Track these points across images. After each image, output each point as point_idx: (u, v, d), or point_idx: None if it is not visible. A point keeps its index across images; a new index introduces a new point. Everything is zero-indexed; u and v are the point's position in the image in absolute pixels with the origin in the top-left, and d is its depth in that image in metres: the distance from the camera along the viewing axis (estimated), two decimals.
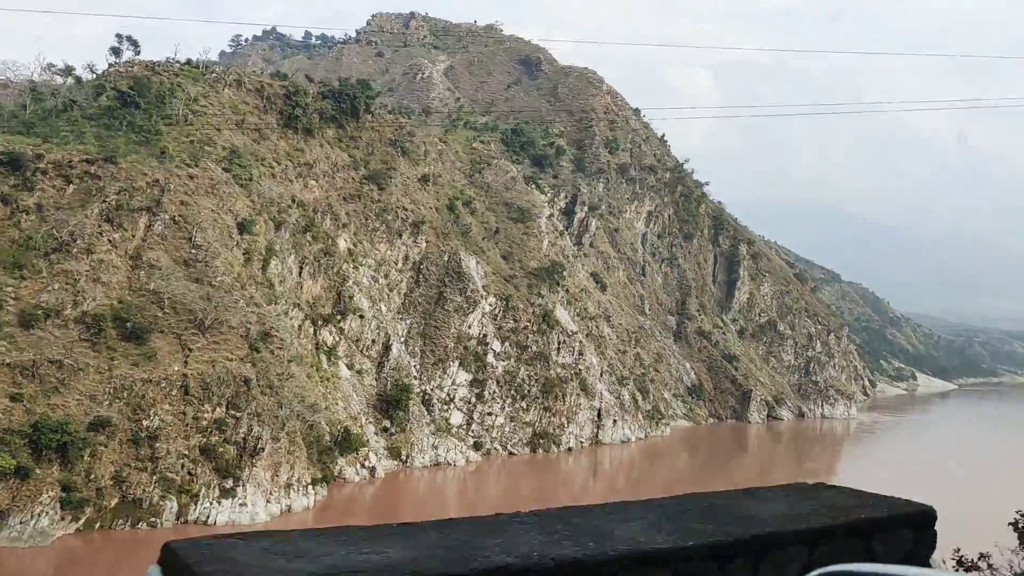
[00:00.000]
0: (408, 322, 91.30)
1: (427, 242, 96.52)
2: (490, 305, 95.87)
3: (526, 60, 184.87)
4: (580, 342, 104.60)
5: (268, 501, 56.96)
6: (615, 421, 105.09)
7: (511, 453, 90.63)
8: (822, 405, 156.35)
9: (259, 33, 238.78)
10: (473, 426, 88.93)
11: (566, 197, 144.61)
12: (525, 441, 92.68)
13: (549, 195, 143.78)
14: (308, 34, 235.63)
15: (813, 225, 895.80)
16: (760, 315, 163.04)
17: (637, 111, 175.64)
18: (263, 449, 57.16)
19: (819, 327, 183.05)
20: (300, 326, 76.44)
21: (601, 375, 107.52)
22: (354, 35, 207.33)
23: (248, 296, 65.02)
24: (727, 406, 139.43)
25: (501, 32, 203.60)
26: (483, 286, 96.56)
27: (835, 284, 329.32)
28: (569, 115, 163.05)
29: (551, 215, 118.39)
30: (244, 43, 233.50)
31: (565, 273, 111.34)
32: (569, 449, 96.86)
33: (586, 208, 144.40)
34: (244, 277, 66.63)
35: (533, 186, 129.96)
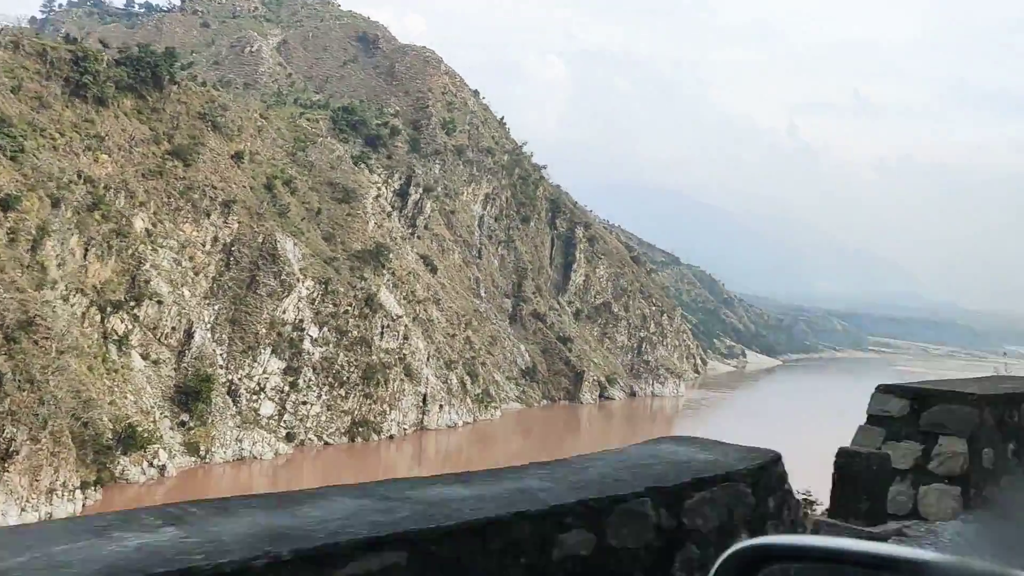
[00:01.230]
0: (216, 307, 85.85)
1: (239, 223, 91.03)
2: (308, 289, 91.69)
3: (364, 37, 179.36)
4: (406, 326, 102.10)
5: (23, 509, 51.30)
6: (441, 406, 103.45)
7: (327, 443, 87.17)
8: (652, 384, 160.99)
9: None
10: (286, 416, 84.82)
11: (400, 178, 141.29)
12: (343, 430, 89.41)
13: (383, 176, 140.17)
14: (131, 1, 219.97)
15: (659, 209, 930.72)
16: (596, 297, 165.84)
17: (476, 93, 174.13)
18: (17, 452, 51.38)
19: (653, 308, 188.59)
20: (84, 313, 69.92)
21: (428, 360, 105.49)
22: (179, 3, 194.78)
23: (8, 280, 58.31)
24: (560, 388, 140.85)
25: (338, 7, 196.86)
26: (300, 269, 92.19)
27: (674, 267, 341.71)
28: (406, 95, 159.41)
29: (378, 196, 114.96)
30: (58, 8, 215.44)
31: (392, 256, 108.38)
32: (391, 436, 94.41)
33: (421, 190, 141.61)
34: (3, 259, 59.72)
35: (363, 166, 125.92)
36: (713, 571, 1.82)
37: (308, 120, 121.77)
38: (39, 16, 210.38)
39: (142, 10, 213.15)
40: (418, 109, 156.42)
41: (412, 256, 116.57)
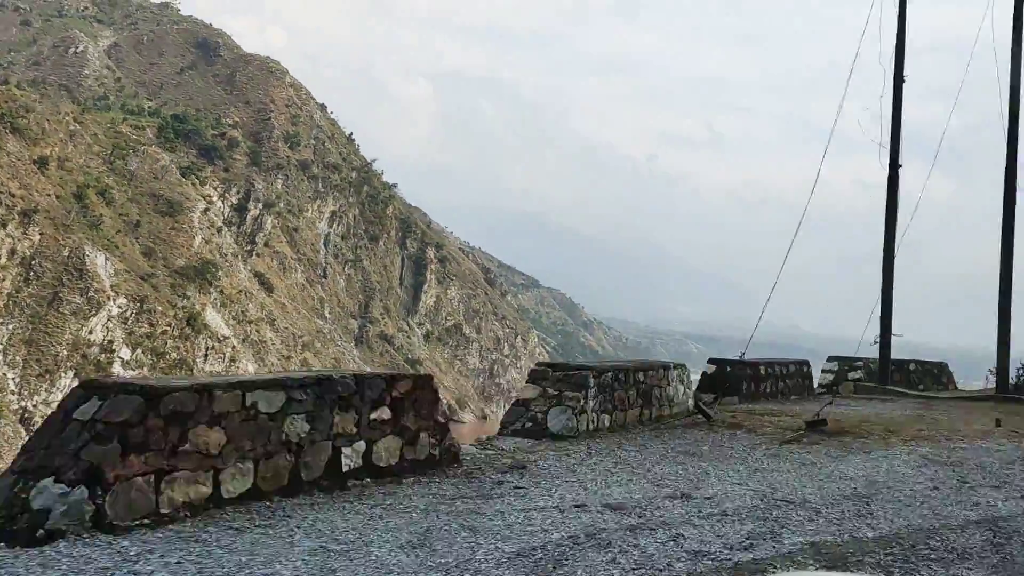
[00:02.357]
0: (11, 327, 76.94)
1: (42, 234, 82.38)
2: (119, 307, 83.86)
3: (204, 44, 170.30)
4: (233, 348, 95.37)
5: None
6: None
7: None
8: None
9: None
10: None
11: (239, 192, 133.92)
12: None
13: (219, 190, 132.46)
14: None
15: (523, 233, 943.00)
16: (447, 319, 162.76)
17: (323, 107, 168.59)
18: None
19: (508, 330, 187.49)
20: None
21: None
22: None
23: None
24: None
25: (178, 11, 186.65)
26: (112, 286, 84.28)
27: (534, 289, 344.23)
28: (246, 105, 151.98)
29: (207, 209, 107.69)
30: None
31: (220, 273, 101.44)
32: None
33: (261, 205, 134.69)
34: None
35: (195, 179, 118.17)
36: None
37: (132, 127, 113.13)
38: None
39: None
40: (259, 121, 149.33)
41: (245, 274, 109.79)
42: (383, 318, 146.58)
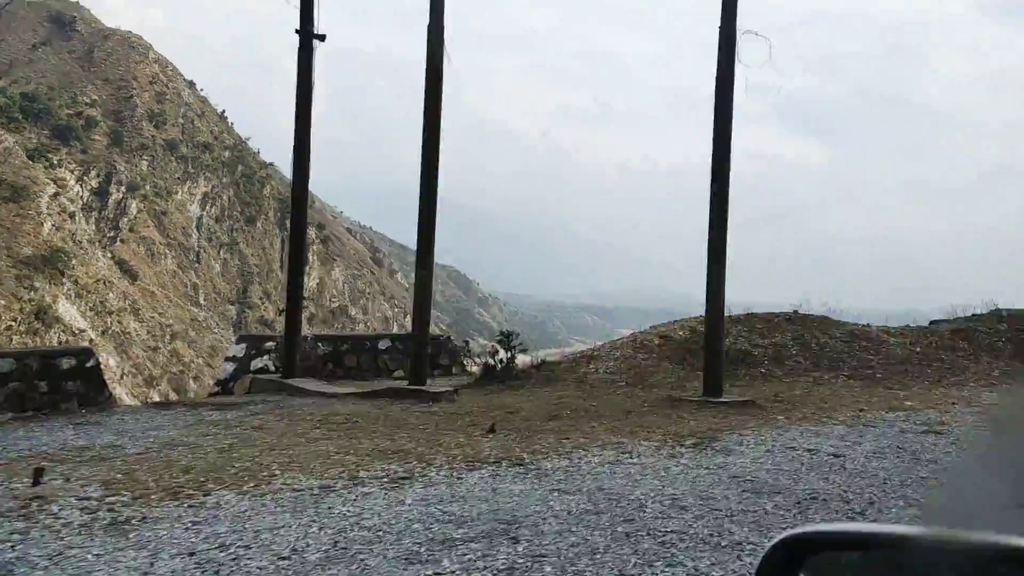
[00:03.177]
0: None
1: None
2: None
3: (58, 18, 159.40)
4: (91, 340, 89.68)
5: None
6: None
7: None
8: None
9: None
10: None
11: (99, 175, 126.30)
12: None
13: (76, 172, 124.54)
14: None
15: (417, 211, 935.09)
16: (331, 300, 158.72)
17: (192, 84, 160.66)
18: None
19: (396, 310, 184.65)
20: None
21: (122, 377, 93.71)
22: None
23: None
24: None
25: None
26: None
27: None
28: (106, 83, 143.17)
29: (57, 194, 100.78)
30: None
31: (75, 262, 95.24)
32: None
33: (124, 188, 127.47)
34: None
35: (46, 161, 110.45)
36: (759, 562, 1.73)
37: None
38: None
39: None
40: (121, 99, 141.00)
41: (105, 262, 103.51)
42: (263, 302, 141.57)
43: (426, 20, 16.70)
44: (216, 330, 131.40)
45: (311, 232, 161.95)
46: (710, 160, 16.01)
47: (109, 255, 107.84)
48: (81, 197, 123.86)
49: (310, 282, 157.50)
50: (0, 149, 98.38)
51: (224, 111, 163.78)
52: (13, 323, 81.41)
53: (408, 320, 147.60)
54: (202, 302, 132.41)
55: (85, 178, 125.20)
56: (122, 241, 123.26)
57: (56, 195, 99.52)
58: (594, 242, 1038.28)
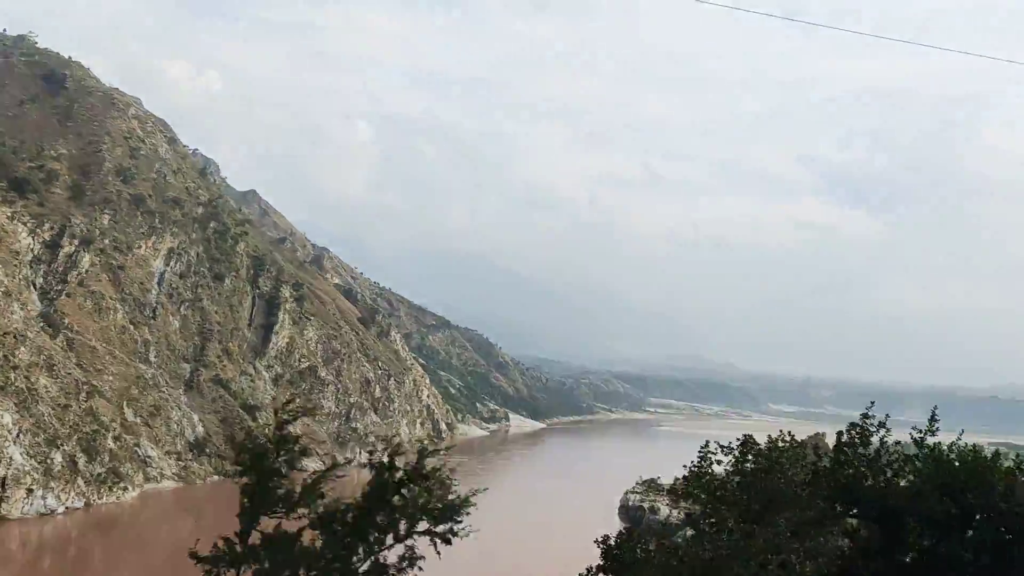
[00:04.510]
0: None
1: None
2: None
3: (50, 76, 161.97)
4: None
5: None
6: (31, 490, 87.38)
7: None
8: (360, 453, 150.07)
9: None
10: None
11: (52, 228, 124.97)
12: None
13: (30, 225, 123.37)
14: None
15: (463, 275, 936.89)
16: (300, 360, 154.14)
17: (172, 140, 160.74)
18: None
19: (380, 372, 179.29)
20: None
21: (19, 435, 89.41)
22: None
23: None
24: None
25: (33, 44, 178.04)
26: None
27: (445, 330, 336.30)
28: (78, 137, 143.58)
29: None
30: None
31: None
32: None
33: (76, 242, 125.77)
34: None
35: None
36: None
37: None
38: None
39: None
40: (90, 154, 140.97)
41: (20, 315, 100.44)
42: (220, 361, 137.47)
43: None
44: (163, 388, 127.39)
45: (285, 291, 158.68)
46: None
47: (32, 309, 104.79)
48: (32, 249, 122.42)
49: (279, 341, 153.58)
50: None
51: (205, 167, 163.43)
52: None
53: (392, 384, 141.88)
54: (152, 359, 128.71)
55: (38, 231, 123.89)
56: (68, 295, 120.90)
57: None
58: (634, 310, 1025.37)
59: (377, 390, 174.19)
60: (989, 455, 15.68)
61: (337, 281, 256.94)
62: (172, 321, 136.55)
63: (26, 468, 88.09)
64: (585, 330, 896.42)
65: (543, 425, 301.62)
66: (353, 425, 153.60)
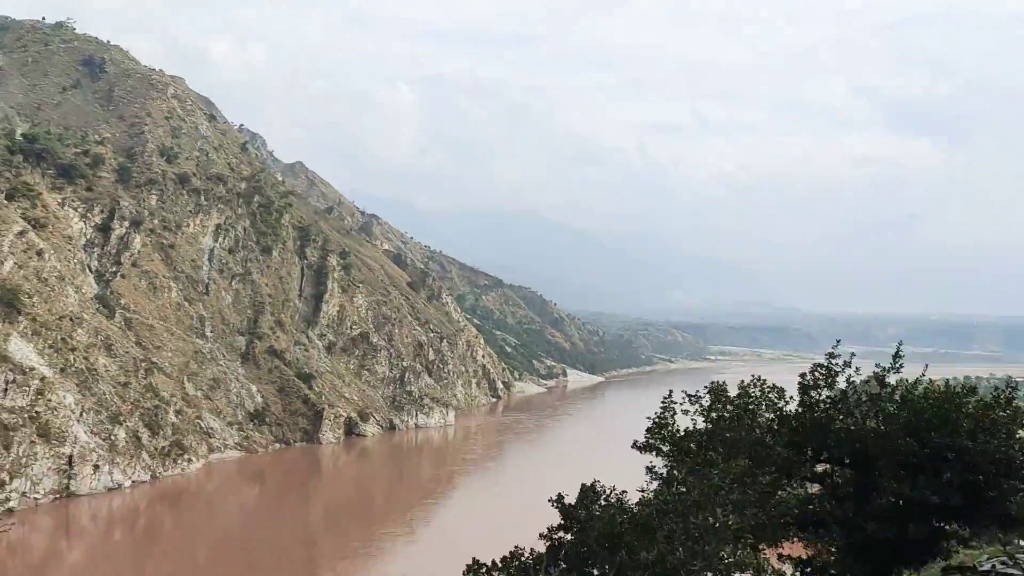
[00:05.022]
0: None
1: None
2: None
3: (90, 61, 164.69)
4: (42, 379, 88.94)
5: None
6: (97, 466, 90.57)
7: None
8: (416, 415, 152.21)
9: None
10: None
11: (103, 212, 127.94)
12: None
13: (80, 210, 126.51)
14: None
15: (512, 232, 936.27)
16: (352, 328, 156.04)
17: (212, 117, 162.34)
18: None
19: (432, 335, 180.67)
20: None
21: (82, 414, 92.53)
22: None
23: None
24: (298, 428, 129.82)
25: (71, 30, 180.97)
26: None
27: (498, 289, 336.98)
28: (120, 120, 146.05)
29: (23, 232, 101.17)
30: None
31: (35, 300, 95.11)
32: (10, 510, 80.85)
33: (127, 223, 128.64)
34: None
35: (28, 203, 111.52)
36: None
37: None
38: None
39: None
40: (133, 136, 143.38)
41: (75, 298, 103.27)
42: (273, 332, 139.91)
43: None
44: (221, 362, 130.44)
45: (332, 259, 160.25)
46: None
47: (84, 292, 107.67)
48: (84, 234, 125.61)
49: (330, 310, 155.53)
50: None
51: (246, 142, 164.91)
52: None
53: (445, 346, 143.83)
54: (208, 333, 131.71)
55: (88, 215, 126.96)
56: (122, 276, 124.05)
57: (22, 233, 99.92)
58: (691, 257, 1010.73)
59: (431, 353, 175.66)
60: (962, 390, 14.69)
61: (387, 247, 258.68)
62: (224, 295, 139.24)
63: (91, 445, 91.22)
64: (642, 281, 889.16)
65: (601, 379, 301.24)
66: (408, 388, 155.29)
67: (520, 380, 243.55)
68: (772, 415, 14.41)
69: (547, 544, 13.04)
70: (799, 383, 15.24)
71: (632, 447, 14.79)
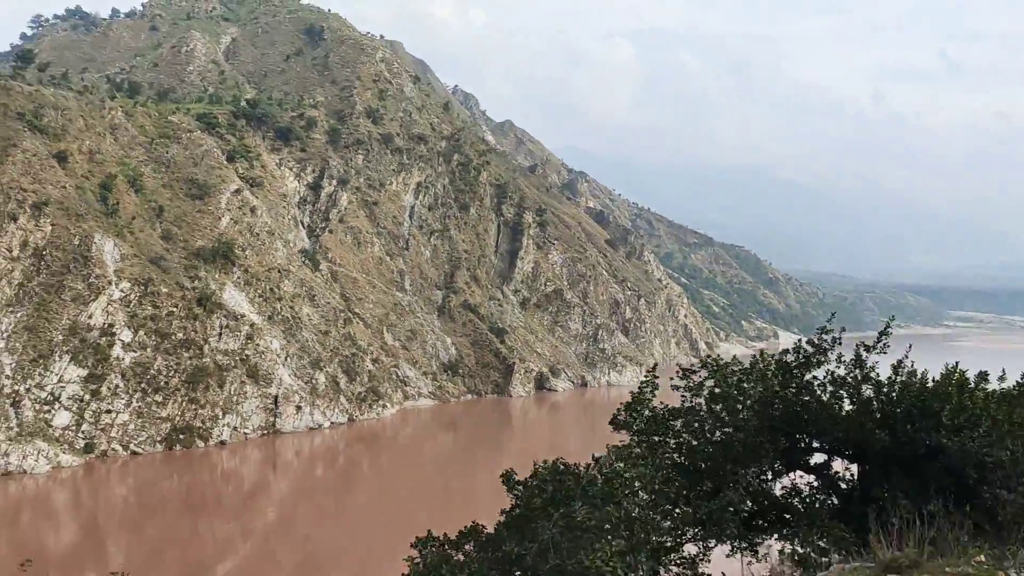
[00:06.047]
0: (18, 315, 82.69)
1: (53, 224, 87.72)
2: (122, 291, 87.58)
3: (311, 30, 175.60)
4: (251, 325, 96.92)
5: None
6: (299, 407, 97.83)
7: (135, 453, 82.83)
8: (608, 373, 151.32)
9: (62, 12, 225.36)
10: (84, 426, 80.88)
11: (314, 171, 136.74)
12: (159, 438, 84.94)
13: (295, 169, 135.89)
14: (115, 11, 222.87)
15: (733, 189, 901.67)
16: (546, 284, 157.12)
17: (416, 79, 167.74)
18: None
19: (629, 293, 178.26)
20: None
21: (286, 359, 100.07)
22: (141, 8, 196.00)
23: None
24: (489, 381, 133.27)
25: (298, 0, 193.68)
26: (116, 271, 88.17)
27: (708, 248, 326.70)
28: (333, 84, 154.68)
29: (239, 190, 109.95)
30: (45, 23, 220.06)
31: (248, 252, 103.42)
32: (223, 442, 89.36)
33: (335, 182, 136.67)
34: None
35: (242, 162, 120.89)
36: None
37: (181, 115, 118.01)
38: (28, 32, 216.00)
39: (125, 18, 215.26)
40: (343, 99, 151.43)
41: (283, 252, 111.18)
42: (468, 287, 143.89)
43: None
44: (419, 314, 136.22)
45: (528, 216, 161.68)
46: None
47: (292, 246, 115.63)
48: (298, 192, 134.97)
49: (525, 266, 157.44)
50: (200, 152, 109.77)
51: (448, 102, 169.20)
52: (174, 308, 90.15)
53: (643, 304, 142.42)
54: (407, 287, 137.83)
55: (302, 174, 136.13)
56: (330, 231, 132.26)
57: (238, 191, 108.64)
58: (931, 216, 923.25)
59: (627, 311, 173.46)
60: (953, 377, 11.56)
61: (591, 203, 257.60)
62: (423, 251, 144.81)
63: (294, 387, 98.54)
64: (871, 241, 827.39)
65: None
66: (601, 346, 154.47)
67: (726, 341, 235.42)
68: (759, 393, 11.95)
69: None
70: (779, 362, 12.47)
71: (609, 423, 12.72)
